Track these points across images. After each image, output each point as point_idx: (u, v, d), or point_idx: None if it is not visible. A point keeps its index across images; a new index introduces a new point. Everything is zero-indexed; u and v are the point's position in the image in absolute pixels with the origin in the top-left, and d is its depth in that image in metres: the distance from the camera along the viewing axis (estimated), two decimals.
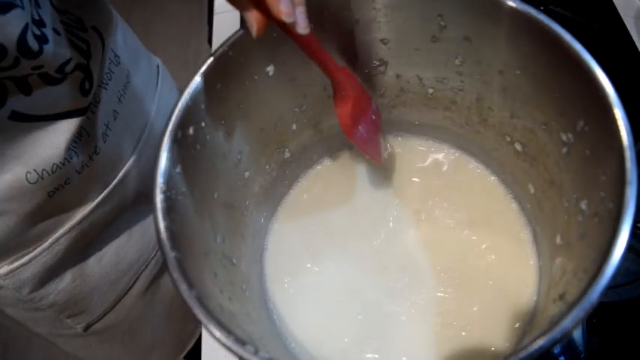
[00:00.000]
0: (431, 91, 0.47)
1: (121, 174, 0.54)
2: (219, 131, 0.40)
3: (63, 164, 0.46)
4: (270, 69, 0.41)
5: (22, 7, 0.37)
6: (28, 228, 0.47)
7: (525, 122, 0.42)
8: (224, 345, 0.29)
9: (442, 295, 0.45)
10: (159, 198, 0.33)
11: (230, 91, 0.39)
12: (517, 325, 0.43)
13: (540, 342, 0.27)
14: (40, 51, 0.39)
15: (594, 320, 0.49)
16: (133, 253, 0.59)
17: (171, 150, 0.34)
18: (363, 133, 0.45)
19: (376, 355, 0.43)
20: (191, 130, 0.36)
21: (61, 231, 0.50)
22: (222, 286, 0.37)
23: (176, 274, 0.30)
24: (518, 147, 0.44)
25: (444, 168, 0.52)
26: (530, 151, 0.43)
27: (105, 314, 0.60)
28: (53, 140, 0.44)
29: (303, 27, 0.34)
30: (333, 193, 0.52)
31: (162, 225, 0.32)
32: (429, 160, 0.53)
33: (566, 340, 0.41)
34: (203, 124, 0.38)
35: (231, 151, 0.42)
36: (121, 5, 0.57)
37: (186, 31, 1.84)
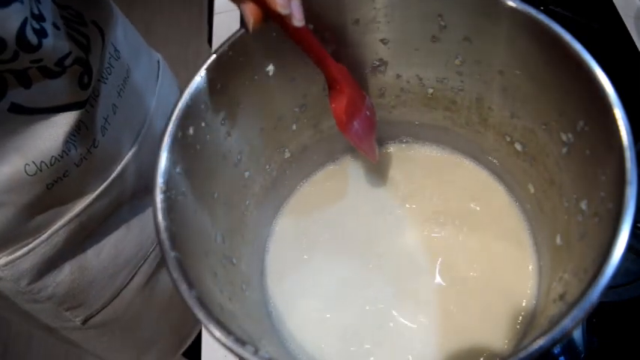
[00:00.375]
0: (431, 91, 0.47)
1: (119, 168, 0.54)
2: (219, 131, 0.40)
3: (61, 157, 0.46)
4: (270, 69, 0.41)
5: (22, 2, 0.38)
6: (27, 220, 0.48)
7: (525, 122, 0.42)
8: (224, 345, 0.29)
9: (442, 295, 0.45)
10: (159, 198, 0.33)
11: (230, 91, 0.39)
12: (517, 325, 0.43)
13: (540, 342, 0.27)
14: (39, 45, 0.40)
15: (594, 320, 0.49)
16: (131, 247, 0.60)
17: (172, 150, 0.34)
18: (358, 130, 0.45)
19: (376, 355, 0.43)
20: (191, 130, 0.36)
21: (59, 223, 0.50)
22: (222, 286, 0.37)
23: (176, 274, 0.30)
24: (518, 147, 0.44)
25: (444, 168, 0.52)
26: (530, 151, 0.43)
27: (103, 308, 0.60)
28: (52, 133, 0.45)
29: (298, 19, 0.34)
30: (334, 195, 0.52)
31: (162, 225, 0.32)
32: (429, 160, 0.53)
33: (566, 340, 0.41)
34: (203, 124, 0.38)
35: (231, 151, 0.42)
36: (120, 5, 0.57)
37: (186, 31, 1.84)
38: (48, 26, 0.41)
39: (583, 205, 0.35)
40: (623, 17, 0.68)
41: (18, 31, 0.38)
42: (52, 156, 0.45)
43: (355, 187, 0.53)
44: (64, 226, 0.50)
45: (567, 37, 0.34)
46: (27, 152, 0.44)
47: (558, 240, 0.39)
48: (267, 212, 0.50)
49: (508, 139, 0.45)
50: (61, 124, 0.45)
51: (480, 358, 0.42)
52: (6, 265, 0.48)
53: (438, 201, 0.50)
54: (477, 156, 0.51)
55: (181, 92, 0.36)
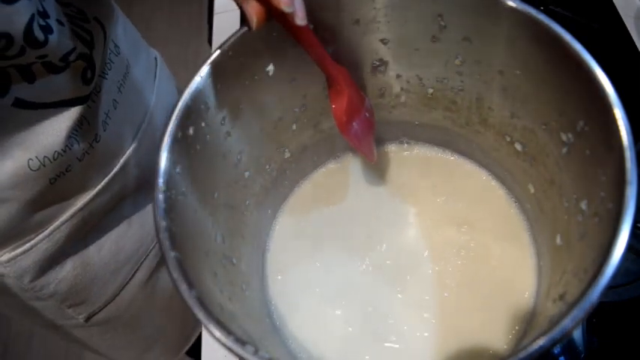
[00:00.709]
0: (431, 91, 0.47)
1: (121, 162, 0.54)
2: (219, 131, 0.40)
3: (64, 151, 0.46)
4: (270, 69, 0.41)
5: None
6: (30, 215, 0.48)
7: (525, 122, 0.42)
8: (224, 345, 0.29)
9: (442, 295, 0.45)
10: (159, 198, 0.33)
11: (230, 91, 0.39)
12: (517, 325, 0.43)
13: (540, 342, 0.27)
14: (46, 41, 0.40)
15: (594, 320, 0.49)
16: (132, 243, 0.60)
17: (172, 150, 0.34)
18: (357, 130, 0.45)
19: (376, 355, 0.43)
20: (191, 130, 0.36)
21: (61, 219, 0.50)
22: (222, 286, 0.37)
23: (176, 274, 0.30)
24: (518, 147, 0.44)
25: (444, 168, 0.52)
26: (530, 151, 0.43)
27: (106, 305, 0.60)
28: (55, 128, 0.45)
29: (301, 17, 0.34)
30: (335, 194, 0.52)
31: (162, 225, 0.32)
32: (429, 160, 0.53)
33: (566, 340, 0.41)
34: (203, 124, 0.38)
35: (231, 151, 0.42)
36: (120, 5, 0.57)
37: (186, 31, 1.84)
38: (52, 22, 0.42)
39: (583, 205, 0.35)
40: (623, 17, 0.68)
41: (26, 28, 0.38)
42: (55, 151, 0.46)
43: (355, 187, 0.53)
44: (66, 221, 0.51)
45: (567, 37, 0.34)
46: (30, 147, 0.44)
47: (558, 240, 0.39)
48: (267, 212, 0.50)
49: (508, 139, 0.45)
50: (64, 119, 0.46)
51: (479, 358, 0.42)
52: (8, 261, 0.49)
53: (438, 201, 0.50)
54: (477, 156, 0.51)
55: (181, 92, 0.36)
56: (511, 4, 0.36)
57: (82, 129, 0.48)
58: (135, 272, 0.62)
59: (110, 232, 0.58)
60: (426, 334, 0.43)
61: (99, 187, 0.52)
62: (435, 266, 0.47)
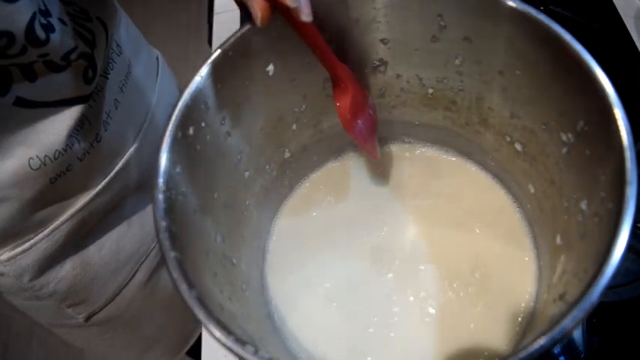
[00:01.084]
0: (431, 91, 0.47)
1: (121, 162, 0.54)
2: (219, 131, 0.40)
3: (65, 151, 0.46)
4: (270, 69, 0.41)
5: None
6: (30, 215, 0.48)
7: (525, 122, 0.42)
8: (224, 345, 0.29)
9: (442, 295, 0.45)
10: (159, 198, 0.33)
11: (230, 91, 0.39)
12: (517, 325, 0.43)
13: (540, 342, 0.27)
14: (47, 39, 0.40)
15: (594, 320, 0.49)
16: (132, 242, 0.60)
17: (172, 150, 0.34)
18: (362, 128, 0.45)
19: (376, 355, 0.43)
20: (191, 130, 0.36)
21: (62, 218, 0.50)
22: (222, 286, 0.37)
23: (176, 274, 0.30)
24: (518, 147, 0.44)
25: (445, 168, 0.52)
26: (530, 151, 0.43)
27: (106, 305, 0.60)
28: (56, 127, 0.45)
29: (306, 14, 0.34)
30: (334, 195, 0.52)
31: (162, 225, 0.32)
32: (430, 160, 0.53)
33: (566, 340, 0.41)
34: (203, 124, 0.38)
35: (231, 151, 0.42)
36: (120, 4, 0.58)
37: (186, 31, 1.84)
38: (54, 21, 0.42)
39: (583, 205, 0.35)
40: (623, 17, 0.68)
41: (27, 26, 0.38)
42: (56, 150, 0.46)
43: (355, 187, 0.53)
44: (66, 221, 0.51)
45: (567, 37, 0.34)
46: (31, 146, 0.44)
47: (558, 240, 0.39)
48: (267, 212, 0.50)
49: (508, 139, 0.45)
50: (65, 118, 0.46)
51: (479, 358, 0.42)
52: (8, 260, 0.49)
53: (438, 201, 0.50)
54: (477, 156, 0.51)
55: (181, 92, 0.36)
56: (511, 4, 0.36)
57: (83, 128, 0.48)
58: (135, 272, 0.62)
59: (110, 232, 0.57)
60: (426, 334, 0.43)
61: (99, 186, 0.52)
62: (435, 266, 0.47)
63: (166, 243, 0.31)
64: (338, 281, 0.47)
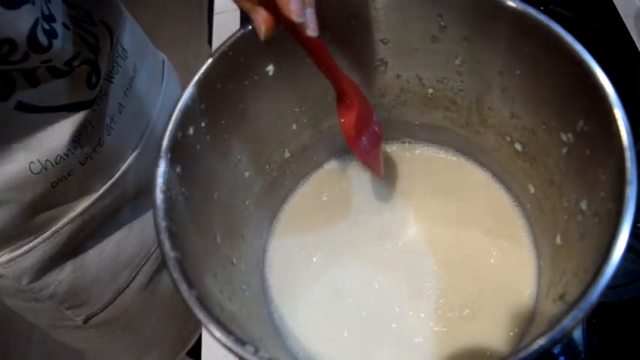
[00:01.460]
0: (431, 91, 0.47)
1: (124, 167, 0.54)
2: (219, 131, 0.40)
3: (67, 155, 0.46)
4: (270, 69, 0.41)
5: (33, 2, 0.38)
6: (30, 218, 0.48)
7: (525, 122, 0.42)
8: (224, 345, 0.29)
9: (442, 295, 0.45)
10: (159, 198, 0.33)
11: (230, 91, 0.39)
12: (517, 325, 0.43)
13: (540, 342, 0.27)
14: (50, 46, 0.40)
15: (594, 320, 0.49)
16: (133, 246, 0.60)
17: (172, 150, 0.34)
18: (366, 145, 0.45)
19: (377, 355, 0.43)
20: (191, 130, 0.36)
21: (62, 222, 0.50)
22: (222, 286, 0.37)
23: (176, 274, 0.30)
24: (518, 147, 0.44)
25: (444, 168, 0.52)
26: (530, 151, 0.43)
27: (105, 307, 0.60)
28: (58, 132, 0.45)
29: (312, 29, 0.34)
30: (335, 194, 0.52)
31: (162, 225, 0.32)
32: (429, 160, 0.53)
33: (566, 340, 0.41)
34: (203, 124, 0.38)
35: (231, 150, 0.42)
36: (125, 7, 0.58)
37: (186, 31, 1.84)
38: (58, 26, 0.41)
39: (583, 205, 0.35)
40: (623, 17, 0.68)
41: (29, 33, 0.38)
42: (58, 154, 0.45)
43: (355, 187, 0.52)
44: (66, 224, 0.50)
45: (567, 37, 0.34)
46: (32, 150, 0.44)
47: (558, 240, 0.39)
48: (268, 212, 0.50)
49: (508, 139, 0.45)
50: (68, 122, 0.45)
51: (480, 359, 0.42)
52: (7, 262, 0.49)
53: (438, 201, 0.50)
54: (477, 156, 0.51)
55: (181, 92, 0.36)
56: (511, 4, 0.36)
57: (86, 133, 0.47)
58: (135, 275, 0.62)
59: (111, 236, 0.57)
60: (426, 334, 0.43)
61: (101, 191, 0.52)
62: (435, 266, 0.47)
63: (166, 243, 0.31)
64: (338, 281, 0.47)
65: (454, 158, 0.52)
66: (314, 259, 0.49)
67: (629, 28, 0.67)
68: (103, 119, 0.49)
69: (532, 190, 0.44)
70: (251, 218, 0.46)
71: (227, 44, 0.38)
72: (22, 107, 0.42)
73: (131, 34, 0.56)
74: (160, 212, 0.32)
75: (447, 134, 0.51)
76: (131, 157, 0.55)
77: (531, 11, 0.35)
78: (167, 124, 0.35)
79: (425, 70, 0.45)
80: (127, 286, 0.61)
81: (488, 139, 0.47)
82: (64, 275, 0.53)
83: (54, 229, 0.50)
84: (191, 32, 1.83)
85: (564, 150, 0.38)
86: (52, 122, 0.44)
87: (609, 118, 0.31)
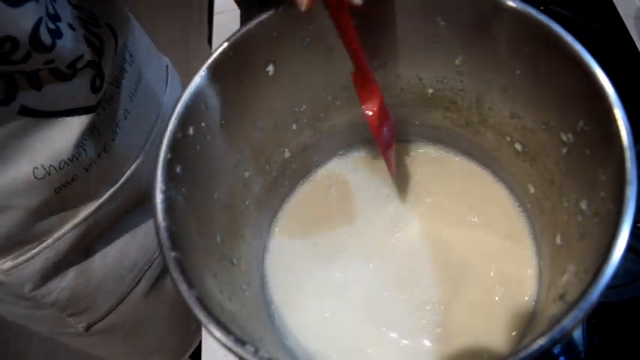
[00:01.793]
0: (431, 91, 0.47)
1: (128, 173, 0.54)
2: (219, 131, 0.40)
3: (71, 161, 0.46)
4: (270, 69, 0.41)
5: (37, 0, 0.37)
6: (33, 224, 0.47)
7: (525, 122, 0.42)
8: (224, 345, 0.29)
9: (442, 295, 0.45)
10: (159, 198, 0.33)
11: (230, 91, 0.39)
12: (517, 325, 0.43)
13: (540, 342, 0.27)
14: (53, 45, 0.39)
15: (594, 320, 0.49)
16: (136, 251, 0.59)
17: (172, 150, 0.34)
18: (387, 137, 0.44)
19: (377, 355, 0.43)
20: (191, 130, 0.36)
21: (65, 228, 0.50)
22: (222, 286, 0.37)
23: (176, 274, 0.30)
24: (518, 147, 0.44)
25: (444, 168, 0.52)
26: (530, 151, 0.43)
27: (108, 314, 0.60)
28: (62, 136, 0.44)
29: None
30: (334, 194, 0.52)
31: (162, 225, 0.32)
32: (429, 160, 0.53)
33: (566, 340, 0.41)
34: (203, 124, 0.38)
35: (231, 151, 0.42)
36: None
37: (186, 31, 1.84)
38: (64, 26, 0.41)
39: (583, 205, 0.35)
40: (623, 17, 0.68)
41: (32, 31, 0.37)
42: (62, 160, 0.45)
43: (355, 187, 0.53)
44: (70, 231, 0.50)
45: (568, 37, 0.34)
46: (36, 155, 0.43)
47: (558, 240, 0.39)
48: (268, 212, 0.50)
49: (508, 139, 0.45)
50: (72, 127, 0.45)
51: (480, 359, 0.42)
52: (10, 269, 0.48)
53: (438, 201, 0.50)
54: (477, 156, 0.51)
55: (181, 92, 0.36)
56: (511, 4, 0.36)
57: (90, 138, 0.47)
58: (138, 282, 0.62)
59: (115, 242, 0.57)
60: (426, 334, 0.43)
61: (105, 197, 0.52)
62: (435, 266, 0.47)
63: (166, 243, 0.31)
64: (338, 281, 0.47)
65: (454, 158, 0.52)
66: (314, 259, 0.49)
67: (629, 28, 0.67)
68: (108, 124, 0.49)
69: (532, 190, 0.44)
70: (251, 218, 0.46)
71: (227, 44, 0.38)
72: (26, 112, 0.41)
73: (137, 40, 0.56)
74: (160, 212, 0.32)
75: (447, 134, 0.51)
76: (136, 163, 0.54)
77: (531, 11, 0.35)
78: (167, 123, 0.35)
79: (425, 70, 0.45)
80: (130, 292, 0.61)
81: (489, 139, 0.47)
82: (66, 282, 0.53)
83: (57, 235, 0.49)
84: (191, 32, 1.83)
85: (564, 150, 0.38)
86: (56, 127, 0.44)
87: (609, 118, 0.31)
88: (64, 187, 0.47)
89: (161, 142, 0.34)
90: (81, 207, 0.50)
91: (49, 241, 0.49)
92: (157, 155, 0.34)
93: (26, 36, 0.37)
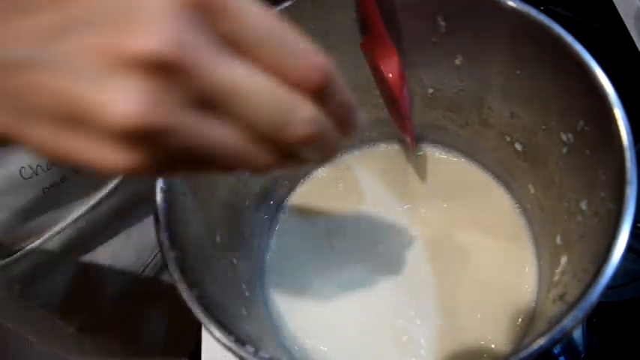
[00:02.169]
0: (431, 91, 0.47)
1: (120, 176, 0.53)
2: None
3: None
4: None
5: None
6: (22, 223, 0.47)
7: (525, 122, 0.42)
8: (224, 345, 0.29)
9: (442, 295, 0.45)
10: (159, 198, 0.33)
11: None
12: (517, 325, 0.43)
13: (540, 342, 0.27)
14: None
15: (594, 320, 0.49)
16: (130, 255, 0.59)
17: None
18: (407, 97, 0.43)
19: (376, 355, 0.43)
20: None
21: (55, 229, 0.49)
22: (223, 286, 0.37)
23: (176, 274, 0.30)
24: (518, 147, 0.44)
25: (444, 168, 0.52)
26: (530, 151, 0.43)
27: (99, 316, 0.59)
28: None
29: None
30: (334, 194, 0.52)
31: (162, 225, 0.32)
32: (429, 160, 0.53)
33: (566, 340, 0.41)
34: None
35: None
36: None
37: None
38: None
39: (583, 205, 0.35)
40: (623, 17, 0.68)
41: None
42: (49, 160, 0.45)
43: (355, 187, 0.52)
44: (60, 232, 0.50)
45: (568, 37, 0.34)
46: (23, 155, 0.43)
47: (558, 240, 0.39)
48: (268, 212, 0.50)
49: (508, 139, 0.45)
50: None
51: (480, 359, 0.42)
52: None
53: (438, 201, 0.50)
54: (477, 156, 0.51)
55: None
56: (511, 4, 0.36)
57: None
58: (133, 284, 0.61)
59: (107, 243, 0.56)
60: (426, 334, 0.43)
61: (96, 199, 0.51)
62: (435, 266, 0.47)
63: (166, 243, 0.31)
64: (338, 281, 0.47)
65: (454, 158, 0.52)
66: (314, 260, 0.49)
67: (629, 28, 0.67)
68: None
69: (532, 190, 0.44)
70: (251, 218, 0.46)
71: None
72: None
73: None
74: (160, 212, 0.32)
75: (447, 134, 0.51)
76: None
77: (531, 11, 0.35)
78: None
79: (425, 70, 0.45)
80: (125, 293, 0.61)
81: (489, 139, 0.47)
82: (57, 283, 0.52)
83: (47, 236, 0.49)
84: None
85: (564, 150, 0.38)
86: None
87: (609, 118, 0.31)
88: (53, 188, 0.46)
89: None
90: (71, 208, 0.50)
91: (39, 241, 0.49)
92: None
93: None
